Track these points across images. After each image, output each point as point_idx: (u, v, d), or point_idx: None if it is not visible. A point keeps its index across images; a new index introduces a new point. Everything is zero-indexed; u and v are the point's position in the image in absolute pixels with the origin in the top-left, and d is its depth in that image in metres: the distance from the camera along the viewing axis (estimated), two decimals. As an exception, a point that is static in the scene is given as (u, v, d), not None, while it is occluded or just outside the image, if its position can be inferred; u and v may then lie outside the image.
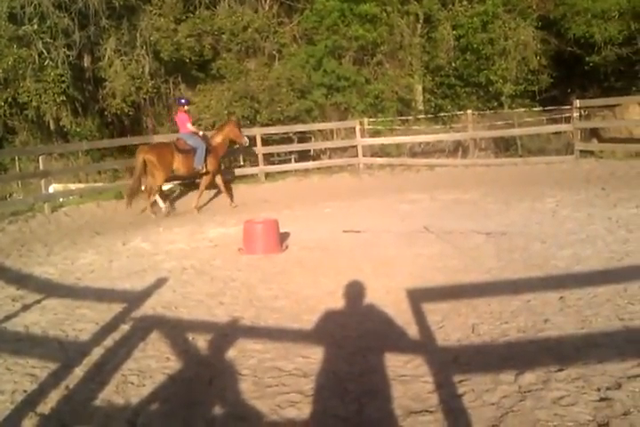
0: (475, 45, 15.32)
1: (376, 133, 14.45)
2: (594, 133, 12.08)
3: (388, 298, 4.53)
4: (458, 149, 13.90)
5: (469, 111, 13.18)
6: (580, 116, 11.70)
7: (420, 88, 16.87)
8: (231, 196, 11.10)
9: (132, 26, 15.39)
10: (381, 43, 15.79)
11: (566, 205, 7.94)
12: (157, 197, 10.45)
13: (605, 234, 6.07)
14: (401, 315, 4.14)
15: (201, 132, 10.77)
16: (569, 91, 17.66)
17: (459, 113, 14.52)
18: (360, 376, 3.20)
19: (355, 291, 4.75)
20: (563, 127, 12.45)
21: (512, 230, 6.60)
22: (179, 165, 10.18)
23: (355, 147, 13.76)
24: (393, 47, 16.24)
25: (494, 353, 3.36)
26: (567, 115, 12.43)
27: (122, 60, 15.09)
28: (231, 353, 3.69)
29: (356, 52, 16.13)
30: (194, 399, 3.07)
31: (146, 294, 5.14)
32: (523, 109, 15.00)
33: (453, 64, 15.96)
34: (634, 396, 2.69)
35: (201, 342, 3.93)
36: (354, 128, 13.70)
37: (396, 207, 9.06)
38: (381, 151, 14.45)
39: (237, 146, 12.00)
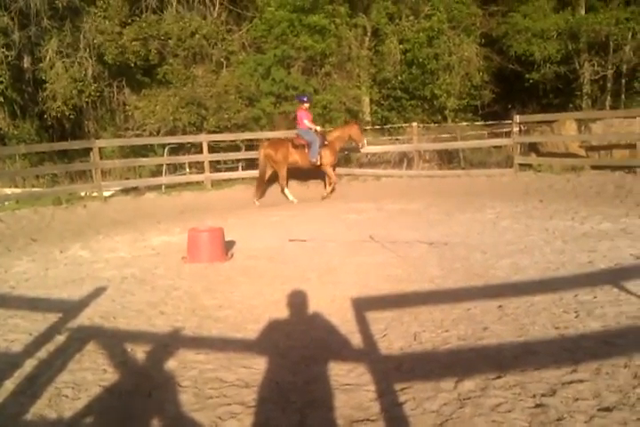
0: (420, 60, 15.70)
1: (324, 143, 14.52)
2: (532, 148, 12.54)
3: (333, 307, 4.54)
4: (403, 160, 14.15)
5: (415, 124, 13.45)
6: (520, 130, 12.15)
7: (367, 100, 17.14)
8: (332, 190, 11.86)
9: (76, 27, 14.99)
10: (330, 54, 15.95)
11: (506, 217, 8.19)
12: (286, 190, 11.67)
13: (543, 245, 6.29)
14: (345, 324, 4.14)
15: (318, 128, 11.65)
16: (509, 106, 18.29)
17: (404, 125, 14.80)
18: (303, 386, 3.18)
19: (300, 300, 4.74)
20: (503, 141, 12.89)
21: (454, 240, 6.74)
22: (296, 158, 11.53)
23: (302, 156, 13.79)
24: (341, 59, 16.43)
25: (435, 361, 3.41)
26: (507, 129, 12.88)
27: (64, 62, 14.67)
28: (171, 364, 3.59)
29: (305, 62, 16.22)
30: (132, 413, 2.97)
31: (83, 303, 4.95)
32: (465, 123, 15.46)
33: (400, 77, 16.30)
34: (567, 402, 2.78)
35: (140, 353, 3.81)
36: (302, 138, 13.74)
37: (342, 216, 9.13)
38: (329, 161, 14.53)
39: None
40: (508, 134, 12.74)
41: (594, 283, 4.70)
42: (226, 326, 4.26)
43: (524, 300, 4.42)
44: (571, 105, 17.74)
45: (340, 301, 4.67)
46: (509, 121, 12.57)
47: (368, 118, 16.93)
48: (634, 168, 10.39)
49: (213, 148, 13.86)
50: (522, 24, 16.58)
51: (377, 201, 10.42)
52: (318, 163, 11.58)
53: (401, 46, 16.11)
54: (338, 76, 16.62)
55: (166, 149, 13.90)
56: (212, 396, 3.13)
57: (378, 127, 15.81)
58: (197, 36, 15.55)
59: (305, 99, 11.96)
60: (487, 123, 15.20)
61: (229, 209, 10.41)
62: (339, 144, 11.84)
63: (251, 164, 14.95)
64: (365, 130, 15.56)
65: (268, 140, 12.30)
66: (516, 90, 19.01)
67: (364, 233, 7.41)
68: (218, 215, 9.66)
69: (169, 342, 3.97)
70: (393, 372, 3.29)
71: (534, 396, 2.86)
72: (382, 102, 17.23)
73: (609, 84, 17.54)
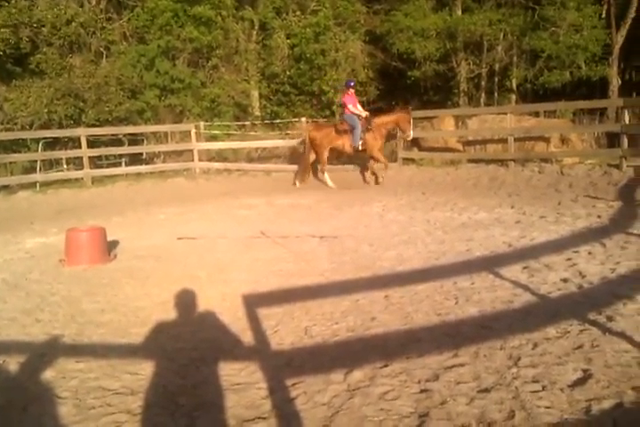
0: (308, 55, 15.85)
1: (212, 138, 14.29)
2: (415, 143, 13.09)
3: (224, 305, 4.46)
4: (293, 155, 14.22)
5: (304, 119, 13.58)
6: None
7: (256, 94, 17.04)
8: (377, 177, 11.51)
9: None
10: (217, 46, 15.68)
11: (391, 209, 8.49)
12: (326, 175, 11.57)
13: (425, 235, 6.58)
14: (236, 322, 4.09)
15: (364, 114, 11.36)
16: (393, 103, 18.97)
17: (294, 120, 14.88)
18: (192, 389, 3.09)
19: (189, 300, 4.60)
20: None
21: (343, 234, 6.88)
22: (339, 142, 11.45)
23: (190, 151, 13.47)
24: (229, 52, 16.21)
25: (326, 354, 3.45)
26: (392, 125, 13.31)
27: None
28: (49, 375, 3.35)
29: (191, 55, 15.83)
30: (2, 431, 2.73)
31: (-55, 314, 4.49)
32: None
33: (288, 72, 16.36)
34: (450, 386, 2.92)
35: (13, 364, 3.52)
36: (189, 132, 13.40)
37: (232, 213, 9.01)
38: (218, 156, 14.32)
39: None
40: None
41: (471, 270, 5.00)
42: (109, 331, 4.04)
43: (408, 289, 4.60)
44: (449, 102, 18.71)
45: (231, 298, 4.60)
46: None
47: (257, 113, 16.83)
48: (506, 161, 11.18)
49: (93, 142, 13.14)
50: (403, 23, 17.19)
51: (268, 196, 10.40)
52: (360, 148, 11.37)
53: (288, 41, 16.17)
54: (226, 70, 16.38)
55: (41, 144, 12.97)
56: (95, 406, 2.95)
57: (267, 122, 15.77)
58: (74, 24, 14.64)
59: (352, 84, 11.82)
60: (373, 118, 15.64)
61: (112, 207, 9.91)
62: (384, 130, 11.46)
63: (135, 159, 14.35)
64: (255, 124, 15.52)
65: (315, 122, 12.76)
66: (400, 87, 19.75)
67: (254, 229, 7.36)
68: (100, 214, 9.17)
69: (46, 352, 3.70)
70: (284, 368, 3.29)
71: (419, 382, 2.98)
72: (271, 97, 17.21)
73: (483, 83, 18.69)
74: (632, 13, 17.67)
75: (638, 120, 12.96)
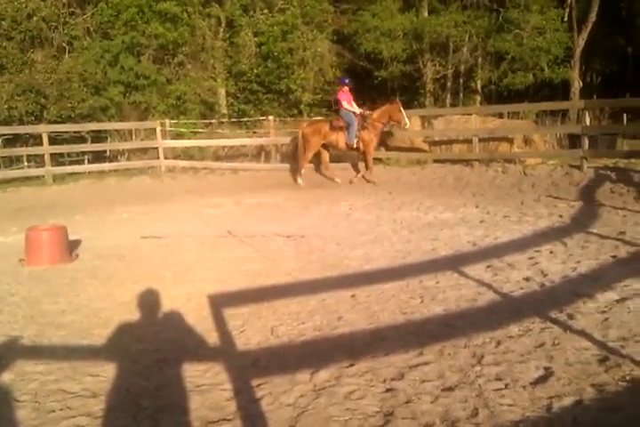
0: (275, 54, 15.79)
1: (178, 135, 14.11)
2: (382, 142, 13.16)
3: (189, 305, 4.40)
4: (261, 153, 14.16)
5: (271, 117, 13.51)
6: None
7: (223, 92, 16.90)
8: (371, 176, 11.29)
9: None
10: (183, 43, 15.49)
11: (358, 208, 8.53)
12: (302, 172, 11.47)
13: (391, 234, 6.63)
14: (202, 322, 4.04)
15: (358, 111, 11.23)
16: (361, 102, 18.99)
17: (261, 118, 14.81)
18: (156, 391, 3.04)
19: (153, 300, 4.53)
20: (355, 136, 13.35)
21: (311, 233, 6.88)
22: (334, 139, 11.24)
23: (156, 149, 13.26)
24: (195, 49, 16.04)
25: (292, 354, 3.44)
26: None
27: None
28: (7, 378, 3.25)
29: (157, 51, 15.60)
30: (-44, 438, 2.64)
31: None
32: (320, 118, 15.80)
33: (255, 70, 16.27)
34: (414, 384, 2.94)
35: (-32, 369, 3.41)
36: (154, 129, 13.18)
37: (199, 211, 8.91)
38: (184, 154, 14.14)
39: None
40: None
41: (437, 269, 5.05)
42: (70, 332, 3.95)
43: (374, 288, 4.62)
44: (415, 102, 18.89)
45: (197, 298, 4.55)
46: (361, 116, 13.09)
47: (224, 111, 16.69)
48: (470, 161, 11.35)
49: (55, 139, 12.82)
50: (371, 23, 17.28)
51: (235, 195, 10.32)
52: (355, 146, 11.20)
53: (256, 39, 16.09)
54: (192, 67, 16.20)
55: (0, 141, 12.60)
56: (55, 409, 2.88)
57: (234, 120, 15.65)
58: (35, 18, 14.27)
59: (347, 81, 11.72)
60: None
61: (74, 206, 9.69)
62: (380, 126, 11.26)
63: (98, 156, 14.07)
64: (222, 123, 15.38)
65: (311, 119, 12.41)
66: (367, 87, 19.81)
67: (221, 228, 7.29)
68: (61, 213, 8.95)
69: (4, 354, 3.59)
70: (250, 368, 3.27)
71: (384, 381, 3.00)
72: (238, 95, 17.09)
73: (449, 84, 18.94)
74: (593, 17, 18.19)
75: (598, 122, 13.33)
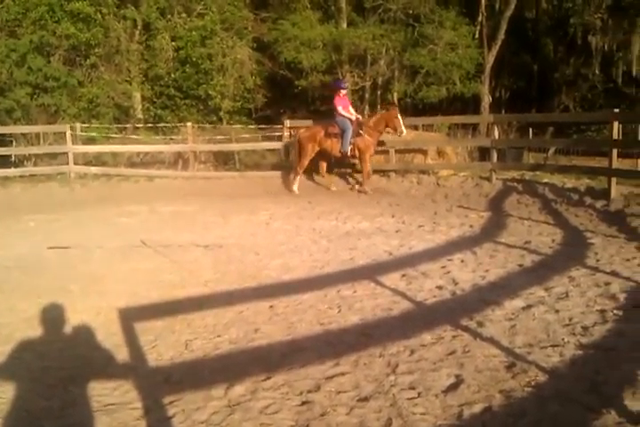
0: (194, 59, 15.53)
1: (90, 140, 13.54)
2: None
3: (98, 320, 4.19)
4: (178, 160, 13.83)
5: (189, 124, 13.25)
6: (290, 135, 12.73)
7: (138, 96, 16.40)
8: (367, 183, 10.95)
9: None
10: (96, 45, 14.92)
11: (278, 218, 8.50)
12: (297, 178, 11.17)
13: (310, 244, 6.64)
14: (111, 337, 3.86)
15: (354, 117, 10.81)
16: (281, 111, 19.10)
17: (179, 125, 14.49)
18: (59, 411, 2.86)
19: (58, 314, 4.28)
20: (276, 145, 13.36)
21: (229, 242, 6.77)
22: (329, 146, 10.89)
23: (65, 154, 12.64)
24: (109, 51, 15.49)
25: (206, 368, 3.34)
26: (279, 133, 13.39)
27: None
28: None
29: (68, 52, 14.92)
30: None
31: None
32: (240, 126, 15.71)
33: (173, 75, 15.93)
34: (330, 396, 2.94)
35: None
36: (64, 133, 12.55)
37: (111, 220, 8.55)
38: (96, 160, 13.57)
39: None
40: (280, 138, 13.25)
41: (354, 278, 5.10)
42: (-36, 351, 3.65)
43: (293, 298, 4.60)
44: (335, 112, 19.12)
45: (106, 312, 4.34)
46: (281, 125, 13.11)
47: (140, 116, 16.19)
48: (387, 172, 11.62)
49: (-47, 142, 11.94)
50: (291, 32, 17.37)
51: (150, 203, 9.99)
52: (349, 153, 10.80)
53: (173, 43, 15.77)
54: (105, 69, 15.61)
55: None
56: (-57, 438, 2.64)
57: (150, 125, 15.21)
58: None
59: (342, 85, 11.28)
60: (260, 126, 15.66)
61: (-26, 213, 9.05)
62: (376, 133, 10.78)
63: (3, 161, 13.21)
64: (137, 128, 14.91)
65: (308, 125, 11.95)
66: (287, 95, 19.92)
67: (135, 237, 7.02)
68: (-42, 221, 8.33)
69: None
70: (162, 385, 3.15)
71: (301, 393, 2.97)
72: (155, 100, 16.63)
73: (367, 95, 19.36)
74: (502, 35, 19.28)
75: (506, 136, 14.07)
